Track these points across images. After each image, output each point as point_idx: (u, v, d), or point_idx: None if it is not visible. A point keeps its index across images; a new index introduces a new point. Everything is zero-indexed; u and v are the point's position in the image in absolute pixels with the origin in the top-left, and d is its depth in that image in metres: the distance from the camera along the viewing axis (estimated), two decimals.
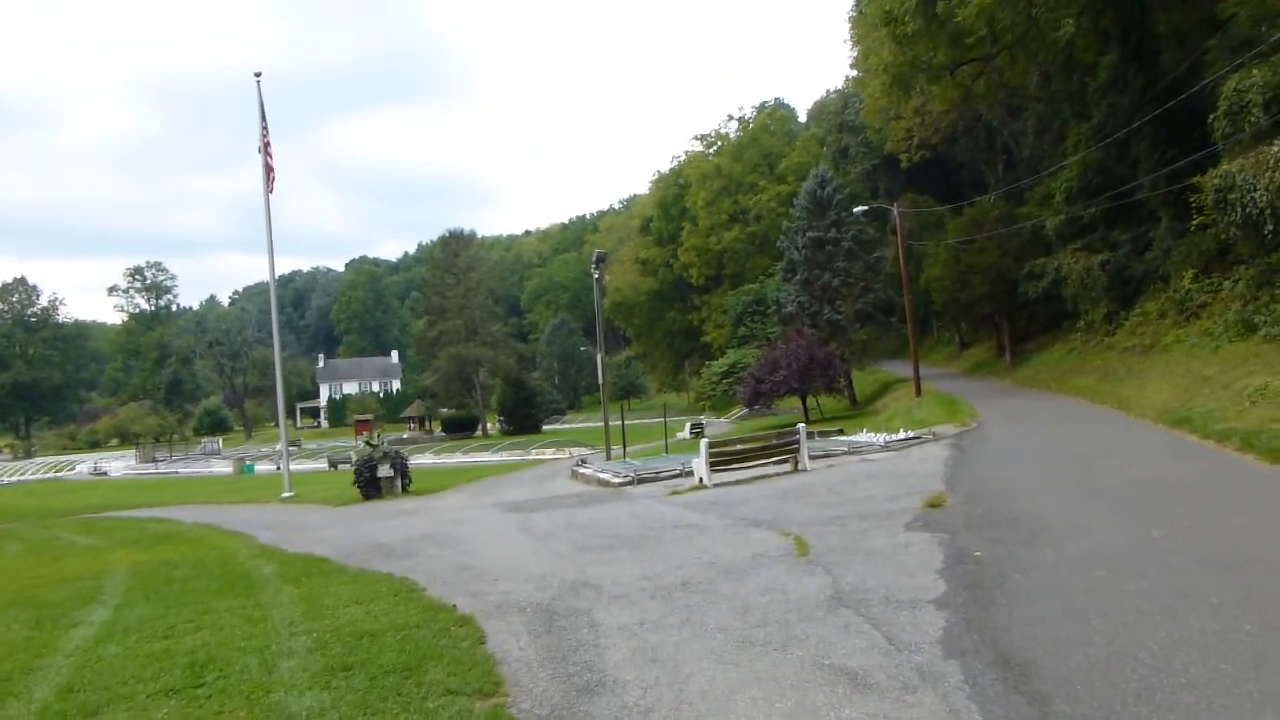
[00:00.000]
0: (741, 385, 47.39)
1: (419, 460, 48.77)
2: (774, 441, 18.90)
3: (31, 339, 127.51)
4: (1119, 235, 34.89)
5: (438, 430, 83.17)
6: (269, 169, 28.95)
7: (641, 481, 19.55)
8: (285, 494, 27.77)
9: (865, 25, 47.66)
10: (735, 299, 71.07)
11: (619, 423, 34.81)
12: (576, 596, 8.33)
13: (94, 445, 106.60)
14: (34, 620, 9.44)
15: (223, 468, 57.72)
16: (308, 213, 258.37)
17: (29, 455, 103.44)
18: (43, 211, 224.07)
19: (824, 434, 30.07)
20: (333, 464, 49.88)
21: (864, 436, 25.64)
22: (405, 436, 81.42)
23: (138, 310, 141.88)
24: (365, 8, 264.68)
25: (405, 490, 24.17)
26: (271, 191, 29.10)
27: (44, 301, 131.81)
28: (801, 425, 19.04)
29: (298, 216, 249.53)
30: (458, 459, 48.08)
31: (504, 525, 14.38)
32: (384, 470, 23.81)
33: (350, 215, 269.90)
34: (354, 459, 31.02)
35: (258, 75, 28.83)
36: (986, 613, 6.63)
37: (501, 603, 8.31)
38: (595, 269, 29.30)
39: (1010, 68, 37.27)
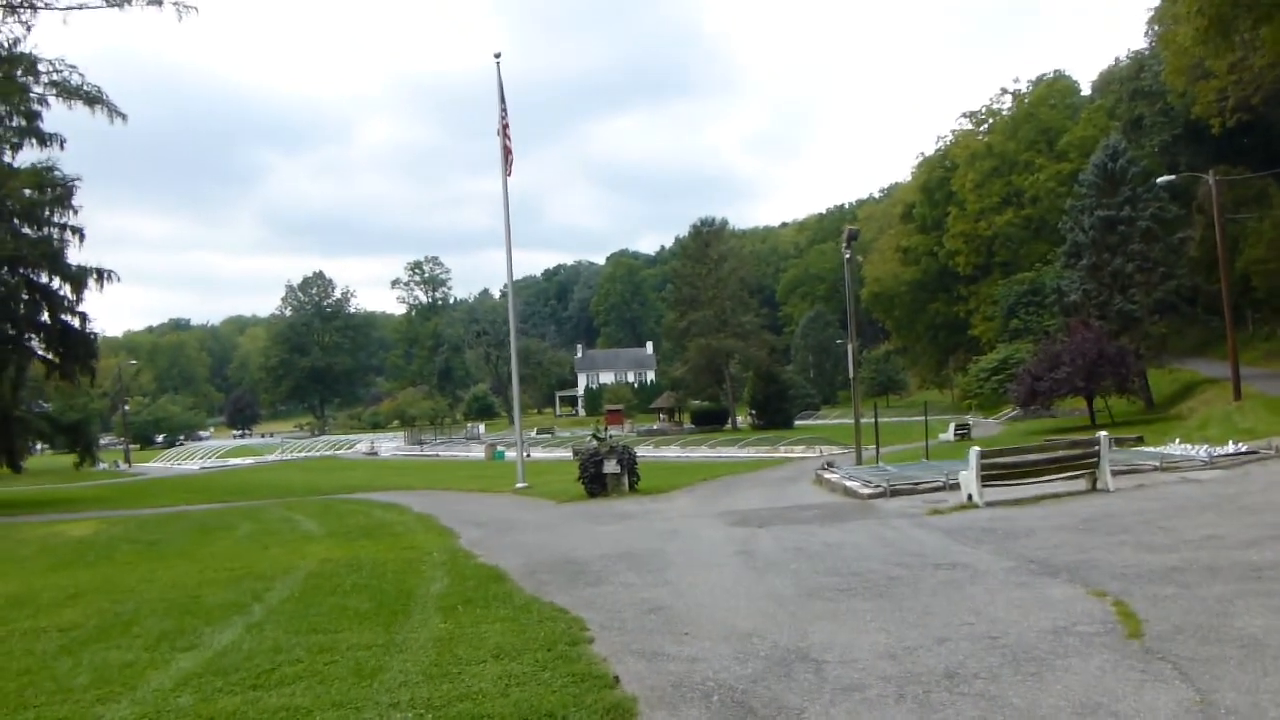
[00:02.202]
0: (1014, 383, 42.36)
1: (663, 453, 47.57)
2: (1064, 452, 15.31)
3: (326, 327, 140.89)
4: None
5: (687, 422, 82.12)
6: (507, 151, 28.29)
7: (895, 494, 16.53)
8: (519, 484, 27.25)
9: None
10: (1007, 289, 65.39)
11: (872, 420, 31.49)
12: (787, 679, 5.77)
13: (375, 426, 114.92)
14: (157, 636, 8.12)
15: (477, 453, 59.25)
16: (573, 210, 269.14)
17: (321, 433, 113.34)
18: (338, 213, 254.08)
19: (1120, 442, 25.42)
20: (576, 453, 49.58)
21: (1177, 448, 21.07)
22: (655, 427, 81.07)
23: (417, 302, 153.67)
24: (623, 10, 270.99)
25: (633, 488, 22.37)
26: (509, 174, 28.44)
27: (338, 294, 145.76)
28: (1103, 434, 15.29)
29: (563, 213, 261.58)
30: (702, 453, 46.27)
31: (722, 544, 12.00)
32: (610, 466, 22.17)
33: (612, 211, 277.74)
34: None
35: (497, 56, 28.21)
36: None
37: (681, 679, 5.90)
38: (846, 248, 26.20)
39: None
